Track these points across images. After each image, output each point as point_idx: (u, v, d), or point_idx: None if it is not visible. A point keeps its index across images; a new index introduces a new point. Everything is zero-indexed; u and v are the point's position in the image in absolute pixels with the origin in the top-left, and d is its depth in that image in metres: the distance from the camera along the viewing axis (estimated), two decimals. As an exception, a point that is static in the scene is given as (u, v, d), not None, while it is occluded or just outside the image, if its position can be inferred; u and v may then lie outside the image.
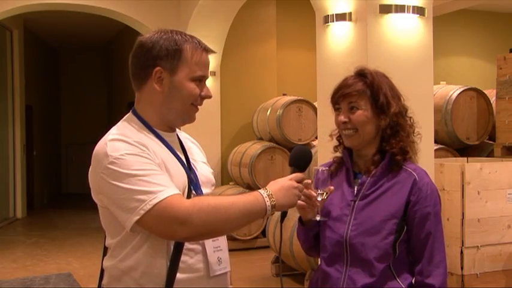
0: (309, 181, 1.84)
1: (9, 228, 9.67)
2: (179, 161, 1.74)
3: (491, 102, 5.94)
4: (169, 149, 1.74)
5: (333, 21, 4.45)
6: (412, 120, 1.98)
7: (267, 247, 6.54)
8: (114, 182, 1.60)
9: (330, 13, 4.48)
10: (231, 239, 7.12)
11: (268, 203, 1.64)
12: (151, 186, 1.57)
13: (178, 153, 1.77)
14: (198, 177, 1.79)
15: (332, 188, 1.85)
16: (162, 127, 1.77)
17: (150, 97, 1.75)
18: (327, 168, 1.89)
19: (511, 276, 4.60)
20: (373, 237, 1.85)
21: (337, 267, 1.90)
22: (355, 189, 1.93)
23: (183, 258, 1.67)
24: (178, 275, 1.66)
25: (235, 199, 1.63)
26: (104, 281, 1.75)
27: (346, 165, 1.99)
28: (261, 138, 7.89)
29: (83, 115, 14.77)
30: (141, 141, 1.67)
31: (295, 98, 7.46)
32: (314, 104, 7.19)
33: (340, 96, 1.93)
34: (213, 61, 8.16)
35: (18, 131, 10.27)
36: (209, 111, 8.18)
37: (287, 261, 5.74)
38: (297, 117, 7.35)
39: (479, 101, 5.90)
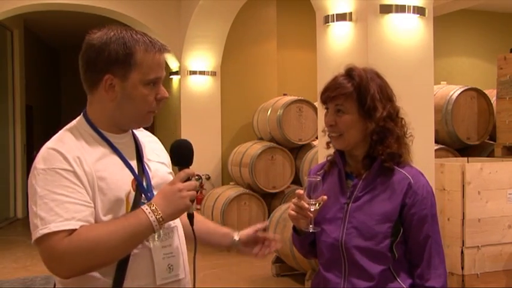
0: (301, 192, 1.81)
1: (10, 228, 9.67)
2: (125, 164, 1.67)
3: (492, 102, 5.94)
4: (116, 153, 1.67)
5: (333, 21, 4.45)
6: (403, 122, 1.92)
7: (268, 247, 6.54)
8: (29, 198, 1.58)
9: (330, 13, 4.48)
10: (231, 239, 7.12)
11: (152, 219, 1.54)
12: (49, 214, 1.51)
13: (127, 155, 1.69)
14: (151, 178, 1.71)
15: (325, 197, 1.81)
16: (112, 129, 1.70)
17: (101, 103, 1.67)
18: (319, 177, 1.84)
19: (511, 276, 4.59)
20: (369, 241, 1.82)
21: (336, 272, 1.88)
22: (348, 191, 1.90)
23: (130, 265, 1.61)
24: (126, 283, 1.60)
25: (116, 226, 1.53)
26: None
27: (338, 166, 1.96)
28: (261, 138, 7.89)
29: (83, 115, 14.78)
30: (78, 152, 1.60)
31: (296, 98, 7.46)
32: (314, 104, 7.19)
33: (327, 98, 1.91)
34: (214, 61, 8.19)
35: (19, 131, 10.27)
36: (209, 111, 8.20)
37: (287, 261, 5.74)
38: (297, 117, 7.35)
39: (480, 101, 5.90)
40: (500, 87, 5.67)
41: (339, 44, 4.48)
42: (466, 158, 5.26)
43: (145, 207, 1.56)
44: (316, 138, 7.11)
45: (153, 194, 1.68)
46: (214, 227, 1.99)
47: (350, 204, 1.88)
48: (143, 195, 1.66)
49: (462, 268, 4.43)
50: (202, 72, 8.16)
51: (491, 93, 6.07)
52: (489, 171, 4.52)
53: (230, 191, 7.26)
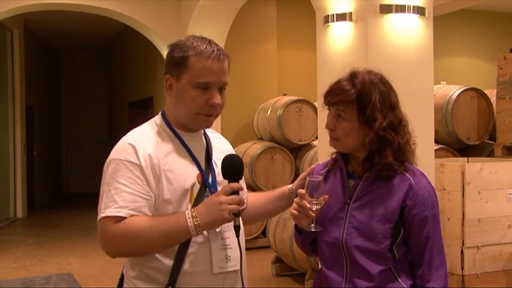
0: (303, 191, 1.82)
1: (10, 228, 9.67)
2: (193, 160, 1.82)
3: (492, 102, 5.93)
4: (185, 149, 1.83)
5: (333, 21, 4.45)
6: (406, 130, 1.90)
7: (267, 247, 6.54)
8: (101, 183, 1.78)
9: (330, 13, 4.48)
10: (231, 239, 7.12)
11: (190, 224, 1.68)
12: (109, 200, 1.72)
13: (196, 152, 1.85)
14: (216, 176, 1.85)
15: (327, 197, 1.82)
16: (182, 128, 1.86)
17: (168, 101, 1.87)
18: (320, 176, 1.84)
19: (511, 276, 4.60)
20: (369, 242, 1.82)
21: (338, 271, 1.88)
22: (349, 191, 1.90)
23: (190, 250, 1.75)
24: (185, 266, 1.74)
25: (158, 222, 1.70)
26: (124, 269, 1.88)
27: (339, 166, 1.96)
28: (261, 138, 7.89)
29: (83, 115, 14.78)
30: (149, 146, 1.77)
31: (296, 98, 7.47)
32: (314, 104, 7.19)
33: (329, 103, 1.90)
34: (213, 61, 8.16)
35: (19, 131, 10.27)
36: (209, 111, 8.18)
37: (287, 261, 5.74)
38: (297, 117, 7.35)
39: (480, 101, 5.90)
40: (500, 87, 5.67)
41: (339, 44, 4.48)
42: (466, 158, 5.26)
43: (187, 211, 1.71)
44: (316, 138, 7.11)
45: (217, 189, 1.82)
46: (267, 197, 2.11)
47: (351, 204, 1.88)
48: (207, 190, 1.81)
49: (462, 268, 4.43)
50: (202, 72, 8.14)
51: (491, 93, 6.07)
52: (489, 171, 4.52)
53: (230, 191, 7.25)
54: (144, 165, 1.73)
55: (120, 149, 1.78)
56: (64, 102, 14.97)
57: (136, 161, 1.73)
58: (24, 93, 10.56)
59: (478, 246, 4.47)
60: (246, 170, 7.28)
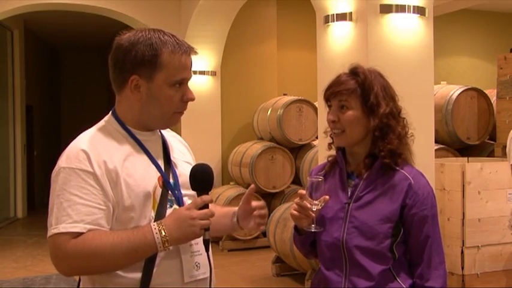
0: (303, 192, 1.82)
1: (10, 228, 9.67)
2: (152, 162, 1.69)
3: (492, 102, 5.93)
4: (143, 150, 1.70)
5: (334, 21, 4.45)
6: (405, 122, 1.93)
7: (268, 247, 6.54)
8: (50, 194, 1.63)
9: (330, 13, 4.48)
10: (231, 239, 7.12)
11: (158, 240, 1.55)
12: (61, 214, 1.56)
13: (154, 153, 1.72)
14: (178, 177, 1.73)
15: (327, 197, 1.82)
16: (140, 127, 1.73)
17: (128, 103, 1.71)
18: (321, 177, 1.85)
19: (511, 276, 4.60)
20: (369, 241, 1.83)
21: (337, 271, 1.88)
22: (349, 191, 1.90)
23: (159, 262, 1.63)
24: (153, 280, 1.62)
25: (121, 239, 1.55)
26: (81, 283, 1.74)
27: (339, 166, 1.96)
28: (261, 138, 7.89)
29: (83, 115, 14.75)
30: (104, 152, 1.63)
31: (296, 97, 7.46)
32: (314, 104, 7.19)
33: (331, 94, 1.91)
34: (214, 61, 8.18)
35: (19, 130, 10.27)
36: (210, 111, 8.19)
37: (287, 261, 5.74)
38: (297, 117, 7.35)
39: (480, 101, 5.90)
40: (500, 87, 5.67)
41: (339, 44, 4.48)
42: (466, 158, 5.26)
43: (154, 225, 1.57)
44: (316, 138, 7.11)
45: (180, 192, 1.71)
46: (219, 212, 1.90)
47: (351, 204, 1.88)
48: (170, 193, 1.69)
49: (462, 268, 4.44)
50: (202, 72, 8.15)
51: (491, 93, 6.07)
52: (489, 171, 4.52)
53: (230, 191, 7.26)
54: (99, 172, 1.59)
55: (71, 156, 1.62)
56: (64, 102, 14.98)
57: (89, 169, 1.59)
58: (24, 93, 10.56)
59: (478, 246, 4.47)
60: (246, 170, 7.28)
